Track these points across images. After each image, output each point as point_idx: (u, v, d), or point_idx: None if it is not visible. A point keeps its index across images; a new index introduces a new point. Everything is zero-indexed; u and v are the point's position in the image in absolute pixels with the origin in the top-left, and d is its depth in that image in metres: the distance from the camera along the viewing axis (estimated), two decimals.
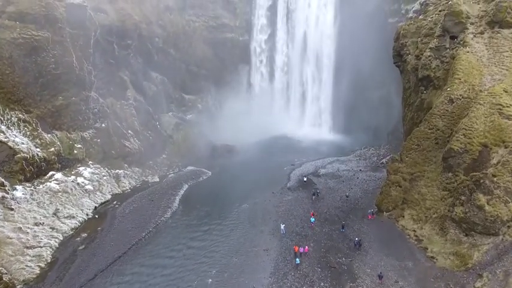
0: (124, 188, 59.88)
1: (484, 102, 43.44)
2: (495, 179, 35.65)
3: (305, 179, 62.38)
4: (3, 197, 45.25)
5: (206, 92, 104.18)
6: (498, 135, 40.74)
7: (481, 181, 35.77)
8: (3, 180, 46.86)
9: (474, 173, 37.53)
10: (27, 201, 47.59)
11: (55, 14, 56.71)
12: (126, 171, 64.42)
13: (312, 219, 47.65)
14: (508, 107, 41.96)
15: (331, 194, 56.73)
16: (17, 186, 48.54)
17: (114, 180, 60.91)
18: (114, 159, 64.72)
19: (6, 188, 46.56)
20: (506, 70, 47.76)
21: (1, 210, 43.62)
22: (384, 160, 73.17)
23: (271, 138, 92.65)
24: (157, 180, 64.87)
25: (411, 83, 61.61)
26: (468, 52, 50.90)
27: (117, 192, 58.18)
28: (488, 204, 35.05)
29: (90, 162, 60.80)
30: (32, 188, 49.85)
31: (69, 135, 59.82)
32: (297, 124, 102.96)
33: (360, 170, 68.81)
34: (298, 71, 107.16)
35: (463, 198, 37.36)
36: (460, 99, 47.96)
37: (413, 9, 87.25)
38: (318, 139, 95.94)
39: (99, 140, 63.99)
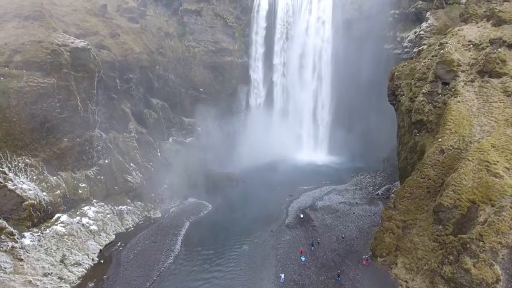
0: (127, 226, 61.73)
1: (473, 159, 45.52)
2: (481, 243, 37.75)
3: (302, 216, 64.39)
4: (12, 247, 47.07)
5: (206, 115, 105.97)
6: (485, 193, 42.83)
7: (468, 245, 37.87)
8: (12, 229, 48.68)
9: (461, 236, 39.65)
10: (35, 248, 49.43)
11: (60, 60, 58.43)
12: (129, 207, 66.26)
13: (303, 259, 50.13)
14: (495, 164, 44.05)
15: (328, 233, 58.81)
16: (25, 233, 50.36)
17: (118, 217, 62.79)
18: (117, 195, 66.56)
19: (15, 237, 48.35)
20: (495, 122, 49.94)
21: (11, 261, 45.49)
22: (379, 191, 75.35)
23: (270, 162, 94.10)
24: (160, 215, 66.69)
25: (405, 122, 63.76)
26: (459, 102, 53.03)
27: (120, 231, 60.00)
28: (474, 267, 37.19)
29: (94, 200, 62.65)
30: (39, 234, 51.66)
31: (73, 175, 61.62)
32: (295, 147, 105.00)
33: (356, 202, 70.84)
34: (296, 93, 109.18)
35: (451, 258, 39.50)
36: (451, 150, 50.16)
37: (408, 38, 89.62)
38: (316, 163, 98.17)
39: (102, 177, 65.83)
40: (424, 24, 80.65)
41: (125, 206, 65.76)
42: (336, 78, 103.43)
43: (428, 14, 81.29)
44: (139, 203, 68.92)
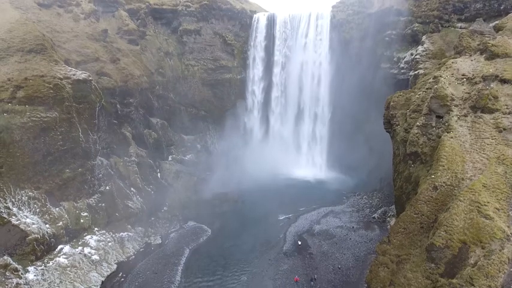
0: (128, 254, 62.98)
1: (464, 199, 46.73)
2: None
3: (299, 243, 65.74)
4: (17, 283, 48.39)
5: (205, 132, 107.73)
6: (476, 234, 44.10)
7: None
8: (16, 265, 50.01)
9: (451, 280, 40.97)
10: (39, 283, 50.77)
11: (62, 93, 59.58)
12: (129, 233, 67.52)
13: None
14: (485, 205, 45.27)
15: (324, 262, 60.14)
16: (29, 268, 51.73)
17: (119, 245, 64.05)
18: (118, 222, 67.81)
19: (20, 273, 49.73)
20: (487, 159, 51.13)
21: None
22: (375, 215, 76.67)
23: (269, 180, 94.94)
24: (160, 241, 67.93)
25: (400, 151, 64.94)
26: (452, 137, 54.20)
27: (122, 259, 61.28)
28: None
29: (95, 229, 63.98)
30: (42, 268, 53.01)
31: (75, 204, 62.89)
32: (294, 163, 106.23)
33: (353, 227, 72.08)
34: (294, 109, 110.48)
35: None
36: (444, 187, 51.38)
37: (405, 59, 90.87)
38: (314, 180, 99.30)
39: (103, 204, 67.06)
40: (420, 48, 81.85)
41: (125, 233, 67.03)
42: (334, 95, 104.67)
43: (424, 37, 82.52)
44: (140, 228, 70.17)
